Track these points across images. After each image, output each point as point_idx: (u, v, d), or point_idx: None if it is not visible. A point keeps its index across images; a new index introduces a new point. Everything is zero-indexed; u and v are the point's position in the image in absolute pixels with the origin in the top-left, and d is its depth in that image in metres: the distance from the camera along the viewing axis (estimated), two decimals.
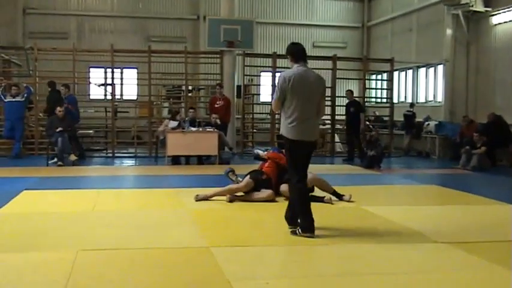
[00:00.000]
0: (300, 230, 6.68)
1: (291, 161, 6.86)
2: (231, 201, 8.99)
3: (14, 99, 15.94)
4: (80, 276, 4.97)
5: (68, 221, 7.39)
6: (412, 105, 20.72)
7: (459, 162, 15.40)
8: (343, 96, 20.28)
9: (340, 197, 9.17)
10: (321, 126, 19.58)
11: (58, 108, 14.87)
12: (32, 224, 7.20)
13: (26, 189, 9.96)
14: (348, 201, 9.15)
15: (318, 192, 9.11)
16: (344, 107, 17.88)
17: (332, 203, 8.82)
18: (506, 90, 17.95)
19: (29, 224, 7.23)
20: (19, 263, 5.45)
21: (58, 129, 14.35)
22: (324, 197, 8.94)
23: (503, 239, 6.75)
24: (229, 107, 16.96)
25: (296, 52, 6.90)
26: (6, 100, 15.98)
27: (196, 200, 8.97)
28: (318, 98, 6.78)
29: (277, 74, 19.15)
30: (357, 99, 18.16)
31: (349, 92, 17.64)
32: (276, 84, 6.92)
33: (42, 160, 14.69)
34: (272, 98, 7.12)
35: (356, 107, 17.20)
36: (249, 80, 20.04)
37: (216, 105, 16.33)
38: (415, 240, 6.63)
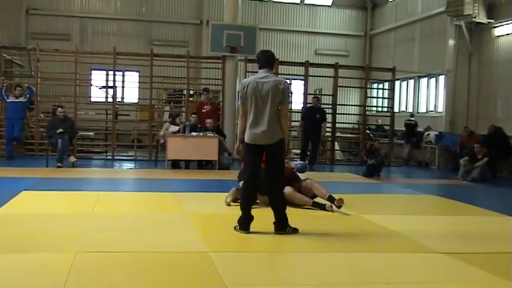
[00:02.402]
0: (238, 226, 7.11)
1: (245, 159, 7.30)
2: (229, 204, 9.01)
3: (16, 100, 15.93)
4: (78, 279, 4.94)
5: (67, 223, 7.36)
6: (412, 114, 20.75)
7: (459, 173, 15.39)
8: (344, 104, 20.34)
9: (332, 200, 9.11)
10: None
11: (59, 109, 14.88)
12: (31, 225, 7.16)
13: (25, 189, 9.93)
14: (337, 206, 9.04)
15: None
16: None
17: (332, 211, 8.79)
18: (507, 102, 17.99)
19: (28, 225, 7.20)
20: (17, 264, 5.42)
21: (58, 131, 14.34)
22: (325, 204, 8.92)
23: (503, 251, 6.72)
24: (217, 112, 16.95)
25: (261, 59, 7.25)
26: (8, 100, 15.96)
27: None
28: (274, 104, 6.93)
29: None
30: (322, 106, 17.80)
31: (316, 99, 17.35)
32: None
33: (42, 161, 14.67)
34: None
35: (321, 114, 16.83)
36: None
37: (203, 110, 16.28)
38: (414, 250, 6.61)
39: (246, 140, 7.04)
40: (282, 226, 7.05)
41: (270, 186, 7.13)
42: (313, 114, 16.63)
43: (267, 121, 6.91)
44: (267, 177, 7.13)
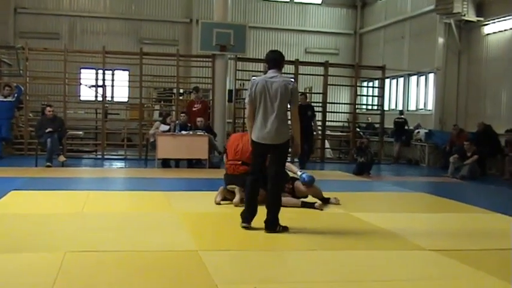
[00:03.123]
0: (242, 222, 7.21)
1: (252, 156, 7.44)
2: (218, 203, 9.01)
3: (5, 99, 15.85)
4: (67, 278, 4.92)
5: (56, 222, 7.33)
6: (401, 112, 20.80)
7: (448, 170, 15.45)
8: (335, 103, 20.37)
9: (327, 200, 9.18)
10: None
11: (48, 109, 14.81)
12: (20, 225, 7.13)
13: (14, 189, 9.88)
14: (335, 203, 9.20)
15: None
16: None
17: (322, 209, 8.81)
18: (496, 100, 18.06)
19: (17, 224, 7.17)
20: (6, 264, 5.39)
21: (47, 130, 14.29)
22: (315, 203, 8.93)
23: (492, 248, 6.75)
24: (207, 110, 16.93)
25: (270, 59, 7.33)
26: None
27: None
28: (282, 104, 7.04)
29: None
30: (313, 103, 17.64)
31: (304, 96, 16.75)
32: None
33: (31, 160, 14.61)
34: None
35: (312, 111, 16.37)
36: (240, 85, 20.04)
37: (193, 109, 16.25)
38: (403, 248, 6.62)
39: (254, 138, 7.13)
40: (272, 225, 7.08)
41: (271, 185, 7.17)
42: (304, 112, 16.19)
43: (275, 121, 7.00)
44: (269, 176, 7.19)
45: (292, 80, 7.67)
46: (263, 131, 7.02)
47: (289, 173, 9.07)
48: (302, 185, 9.02)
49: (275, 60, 7.31)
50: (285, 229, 7.13)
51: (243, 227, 7.16)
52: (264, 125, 7.02)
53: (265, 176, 7.26)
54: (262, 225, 7.10)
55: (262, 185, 7.43)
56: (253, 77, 7.65)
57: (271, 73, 7.19)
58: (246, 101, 7.35)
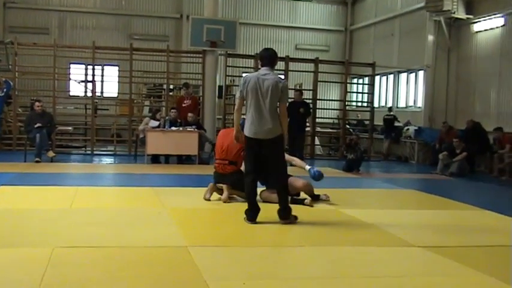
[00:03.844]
0: (245, 216, 7.42)
1: (245, 154, 7.64)
2: (208, 199, 9.03)
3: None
4: (55, 274, 4.91)
5: (45, 218, 7.31)
6: (390, 109, 20.86)
7: (437, 167, 15.50)
8: (325, 99, 20.40)
9: (317, 197, 9.20)
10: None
11: (36, 104, 14.76)
12: (8, 220, 7.12)
13: (2, 184, 9.86)
14: (325, 200, 9.22)
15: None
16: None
17: (312, 206, 8.82)
18: (486, 98, 18.14)
19: (5, 220, 7.15)
20: None
21: (36, 125, 14.24)
22: (305, 199, 8.95)
23: (480, 244, 6.80)
24: (197, 106, 16.92)
25: (263, 57, 7.55)
26: None
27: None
28: (273, 101, 7.25)
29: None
30: (306, 100, 17.49)
31: (299, 93, 16.75)
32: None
33: (20, 156, 14.56)
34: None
35: (306, 109, 16.24)
36: (230, 81, 20.02)
37: (183, 105, 16.24)
38: (393, 244, 6.64)
39: (246, 133, 7.33)
40: (286, 214, 7.41)
41: (274, 179, 7.60)
42: (296, 108, 15.76)
43: (266, 116, 7.22)
44: (270, 170, 7.52)
45: (284, 78, 7.76)
46: (255, 127, 7.22)
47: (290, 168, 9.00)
48: (310, 179, 9.03)
49: (268, 57, 7.50)
50: (296, 218, 7.49)
51: (250, 222, 7.36)
52: (256, 121, 7.22)
53: (262, 174, 7.56)
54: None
55: (255, 180, 7.58)
56: (246, 74, 7.71)
57: (263, 70, 7.37)
58: (237, 96, 7.55)
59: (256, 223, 7.32)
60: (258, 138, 7.27)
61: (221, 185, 9.09)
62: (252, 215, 7.37)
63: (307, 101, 18.34)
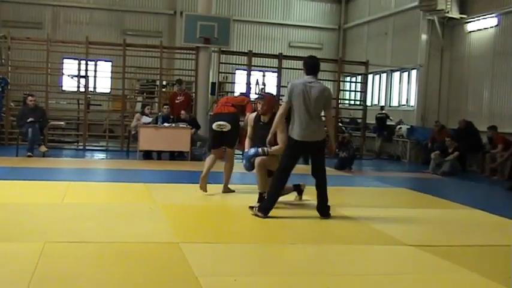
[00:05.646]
0: (256, 208, 7.66)
1: (287, 154, 7.85)
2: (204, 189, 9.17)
3: None
4: (46, 268, 4.90)
5: (36, 213, 7.29)
6: (382, 108, 20.90)
7: (429, 166, 15.54)
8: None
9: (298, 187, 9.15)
10: None
11: (29, 98, 14.72)
12: None
13: None
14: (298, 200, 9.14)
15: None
16: None
17: (301, 199, 8.91)
18: (478, 97, 18.20)
19: None
20: None
21: (29, 120, 14.21)
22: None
23: (471, 244, 6.84)
24: (190, 103, 16.90)
25: (309, 66, 8.00)
26: None
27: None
28: (319, 107, 7.74)
29: (253, 73, 19.21)
30: None
31: None
32: (287, 88, 7.90)
33: (12, 150, 14.52)
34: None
35: None
36: (223, 78, 20.01)
37: (176, 101, 16.20)
38: (384, 243, 6.66)
39: (294, 136, 7.68)
40: (327, 211, 7.89)
41: (317, 177, 7.88)
42: None
43: (313, 121, 7.70)
44: (313, 170, 7.95)
45: (327, 86, 8.15)
46: (303, 131, 7.63)
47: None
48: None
49: (314, 66, 8.02)
50: (330, 216, 7.92)
51: (262, 216, 7.54)
52: (304, 125, 7.62)
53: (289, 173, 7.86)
54: (246, 218, 7.11)
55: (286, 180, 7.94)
56: (292, 80, 8.24)
57: (309, 78, 7.81)
58: (284, 100, 7.85)
59: (267, 217, 7.52)
60: (305, 141, 7.65)
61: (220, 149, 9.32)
62: (268, 209, 7.61)
63: None
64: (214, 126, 9.16)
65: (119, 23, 23.80)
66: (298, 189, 9.11)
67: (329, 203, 7.89)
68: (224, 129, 9.08)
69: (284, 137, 7.92)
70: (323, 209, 7.87)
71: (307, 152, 8.04)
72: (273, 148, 8.11)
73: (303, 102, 7.61)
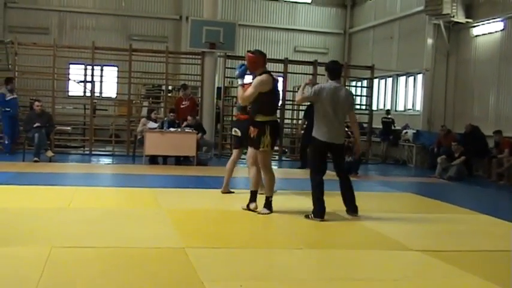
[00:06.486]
0: (312, 215, 7.94)
1: (313, 156, 8.35)
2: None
3: (13, 96, 15.80)
4: (53, 273, 4.92)
5: (43, 217, 7.31)
6: (388, 112, 20.87)
7: (436, 171, 15.52)
8: None
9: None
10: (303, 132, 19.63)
11: (36, 103, 14.77)
12: (6, 219, 7.12)
13: (1, 184, 9.85)
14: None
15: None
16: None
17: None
18: (484, 102, 18.16)
19: (3, 219, 7.15)
20: None
21: (35, 125, 14.25)
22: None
23: (477, 249, 6.82)
24: (195, 107, 16.92)
25: (335, 71, 8.31)
26: (7, 98, 15.75)
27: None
28: (344, 110, 8.17)
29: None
30: None
31: None
32: (313, 88, 8.25)
33: (19, 155, 14.56)
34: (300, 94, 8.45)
35: None
36: (229, 82, 20.04)
37: (181, 106, 16.21)
38: (390, 248, 6.65)
39: (320, 138, 8.05)
40: (356, 208, 8.31)
41: (343, 177, 8.39)
42: (313, 112, 15.24)
43: (339, 125, 8.16)
44: (339, 171, 8.41)
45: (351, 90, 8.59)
46: (330, 133, 8.02)
47: None
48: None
49: (338, 71, 8.39)
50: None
51: (319, 220, 7.87)
52: (331, 128, 8.01)
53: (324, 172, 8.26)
54: (251, 223, 7.11)
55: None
56: (320, 83, 8.49)
57: (335, 83, 8.15)
58: (309, 93, 8.16)
59: (323, 220, 7.85)
60: (330, 142, 8.04)
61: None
62: (322, 213, 7.94)
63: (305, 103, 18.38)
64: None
65: (124, 28, 23.87)
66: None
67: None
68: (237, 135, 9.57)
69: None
70: (354, 204, 8.31)
71: (330, 153, 8.30)
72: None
73: (331, 105, 7.95)
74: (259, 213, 8.14)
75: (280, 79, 19.54)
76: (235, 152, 9.86)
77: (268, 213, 8.11)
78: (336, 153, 8.33)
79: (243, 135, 9.17)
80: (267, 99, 8.03)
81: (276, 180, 8.47)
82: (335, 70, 8.33)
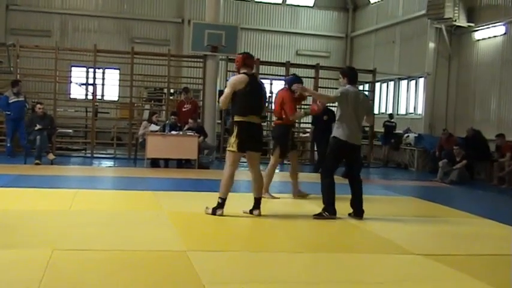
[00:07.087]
0: (326, 213, 8.26)
1: (331, 155, 8.61)
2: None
3: (17, 99, 15.74)
4: (54, 276, 4.91)
5: (44, 220, 7.31)
6: (391, 116, 20.86)
7: (437, 175, 15.50)
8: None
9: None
10: (302, 135, 19.70)
11: (38, 106, 14.79)
12: (7, 222, 7.11)
13: (2, 186, 9.86)
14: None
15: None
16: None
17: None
18: (486, 106, 18.15)
19: (4, 221, 7.14)
20: None
21: (37, 127, 14.26)
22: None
23: (480, 253, 6.80)
24: (197, 110, 16.92)
25: (353, 76, 8.72)
26: (11, 101, 15.72)
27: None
28: (363, 114, 8.65)
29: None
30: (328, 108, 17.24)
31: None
32: (340, 89, 8.63)
33: (20, 158, 14.56)
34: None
35: (329, 115, 14.92)
36: None
37: (183, 109, 16.24)
38: (391, 252, 6.64)
39: (342, 137, 8.37)
40: (362, 212, 8.47)
41: (355, 179, 8.66)
42: (320, 117, 14.89)
43: (360, 126, 8.66)
44: (356, 172, 8.76)
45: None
46: (352, 134, 8.38)
47: None
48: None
49: (356, 76, 8.80)
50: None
51: (333, 217, 8.24)
52: (353, 129, 8.41)
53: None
54: (253, 226, 7.10)
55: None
56: (344, 87, 8.60)
57: (354, 88, 8.62)
58: (335, 94, 8.68)
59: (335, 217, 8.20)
60: (351, 143, 8.38)
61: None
62: (335, 210, 8.28)
63: (306, 106, 18.35)
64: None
65: (126, 31, 23.90)
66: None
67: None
68: None
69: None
70: (361, 208, 8.49)
71: (349, 152, 8.52)
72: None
73: (354, 108, 8.36)
74: (206, 212, 8.07)
75: (282, 83, 19.53)
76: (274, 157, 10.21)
77: (210, 214, 7.93)
78: (353, 154, 8.60)
79: (278, 141, 9.95)
80: (241, 99, 7.98)
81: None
82: (355, 75, 8.76)
